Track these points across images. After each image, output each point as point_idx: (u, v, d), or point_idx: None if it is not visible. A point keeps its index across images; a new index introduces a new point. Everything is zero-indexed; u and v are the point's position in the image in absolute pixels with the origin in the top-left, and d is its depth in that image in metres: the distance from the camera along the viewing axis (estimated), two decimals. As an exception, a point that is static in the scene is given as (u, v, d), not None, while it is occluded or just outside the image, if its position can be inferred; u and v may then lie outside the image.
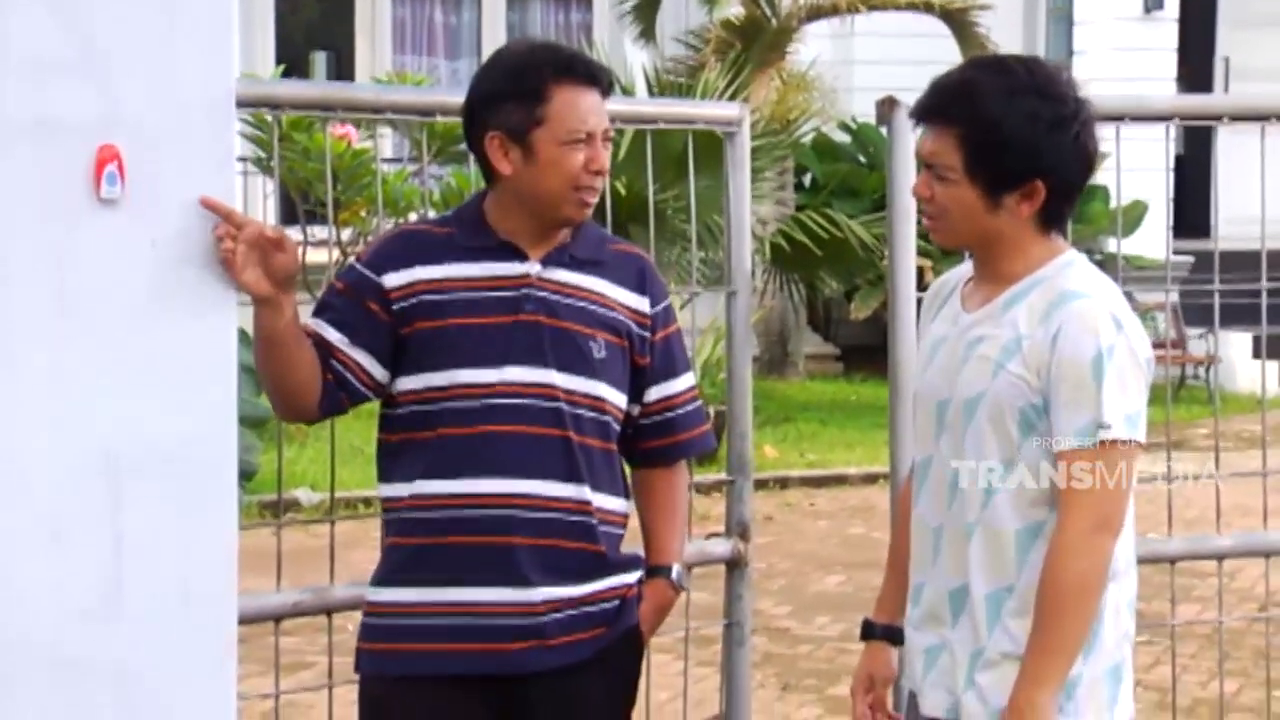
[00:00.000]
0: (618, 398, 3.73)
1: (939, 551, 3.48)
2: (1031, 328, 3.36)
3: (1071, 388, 3.31)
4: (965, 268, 3.61)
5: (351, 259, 3.73)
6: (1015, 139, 3.35)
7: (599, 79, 3.69)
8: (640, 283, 3.79)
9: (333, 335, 3.66)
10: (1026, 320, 3.38)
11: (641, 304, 3.78)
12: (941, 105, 3.43)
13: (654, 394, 3.82)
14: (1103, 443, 3.31)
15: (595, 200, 3.71)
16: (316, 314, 3.71)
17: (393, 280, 3.67)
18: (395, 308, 3.66)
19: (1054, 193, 3.40)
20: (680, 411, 3.86)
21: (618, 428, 3.75)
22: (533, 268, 3.68)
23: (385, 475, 3.72)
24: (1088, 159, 3.43)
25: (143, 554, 3.12)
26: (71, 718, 3.09)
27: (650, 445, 3.85)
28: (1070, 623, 3.31)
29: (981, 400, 3.39)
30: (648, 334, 3.78)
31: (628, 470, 3.85)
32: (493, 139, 3.65)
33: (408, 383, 3.67)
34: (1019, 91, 3.37)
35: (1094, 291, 3.39)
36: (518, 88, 3.64)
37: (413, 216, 10.89)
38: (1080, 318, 3.34)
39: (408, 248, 3.73)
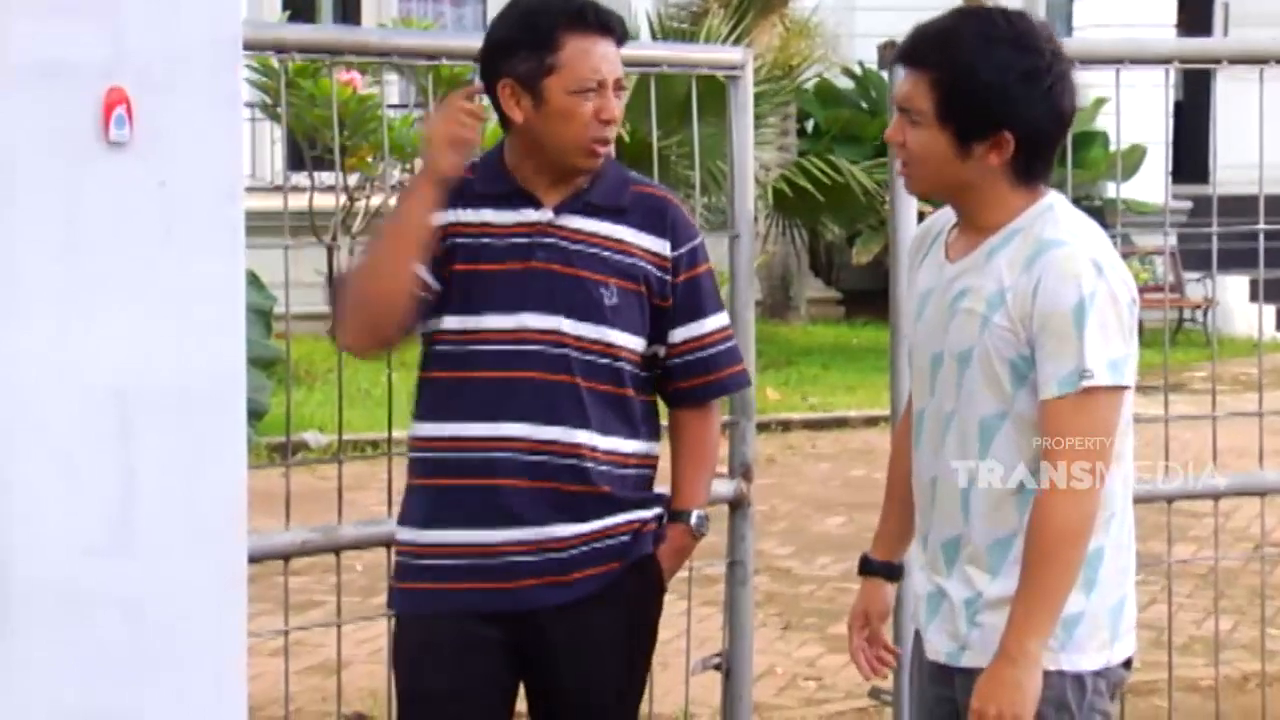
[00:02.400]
0: (632, 342, 3.77)
1: (935, 503, 3.52)
2: (1014, 278, 3.37)
3: (1054, 337, 3.32)
4: (950, 212, 3.62)
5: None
6: (985, 87, 3.35)
7: (612, 28, 3.71)
8: (661, 225, 3.81)
9: None
10: (1009, 271, 3.38)
11: (662, 247, 3.80)
12: (919, 50, 3.43)
13: (679, 335, 3.84)
14: (1086, 389, 3.31)
15: (608, 149, 3.73)
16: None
17: (438, 219, 3.72)
18: (442, 244, 3.72)
19: (1024, 145, 3.39)
20: (709, 352, 3.88)
21: (636, 370, 3.79)
22: (546, 215, 3.73)
23: (423, 414, 3.78)
24: (1061, 114, 3.42)
25: (153, 490, 3.13)
26: (83, 653, 3.10)
27: (679, 386, 3.88)
28: (1058, 570, 3.33)
29: (972, 354, 3.40)
30: (668, 277, 3.80)
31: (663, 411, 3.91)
32: (505, 86, 3.69)
33: (451, 322, 3.73)
34: (995, 41, 3.36)
35: (1073, 238, 3.39)
36: (529, 36, 3.67)
37: (419, 162, 10.91)
38: (1060, 266, 3.34)
39: (448, 191, 3.76)
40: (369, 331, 3.75)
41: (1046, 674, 3.36)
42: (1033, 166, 3.44)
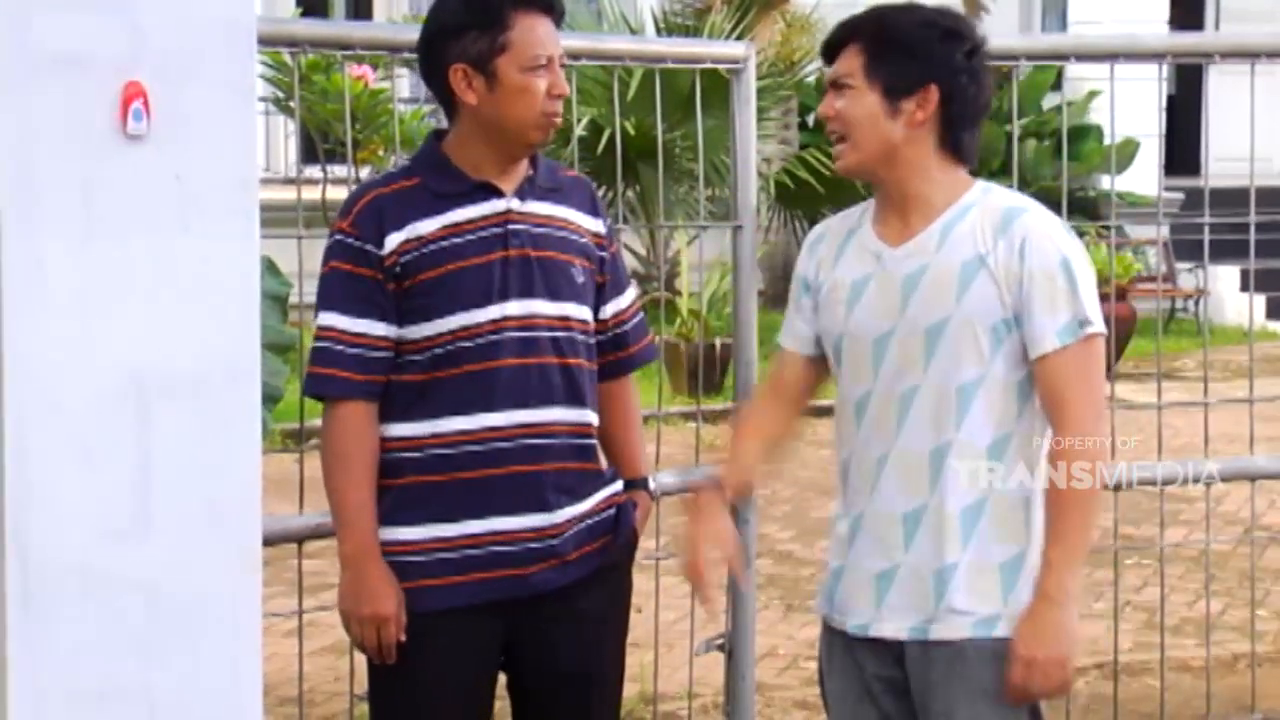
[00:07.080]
0: (590, 316, 3.85)
1: (880, 478, 3.54)
2: (991, 244, 3.44)
3: (1046, 292, 3.41)
4: (846, 214, 3.72)
5: (336, 235, 3.75)
6: (909, 40, 3.47)
7: (553, 5, 3.76)
8: (593, 206, 3.90)
9: (360, 325, 3.73)
10: (978, 240, 3.46)
11: (597, 225, 3.89)
12: (845, 30, 3.56)
13: (609, 310, 3.93)
14: (1088, 336, 3.41)
15: (559, 123, 3.77)
16: (331, 307, 3.73)
17: (387, 246, 3.71)
18: (395, 269, 3.70)
19: (948, 104, 3.49)
20: (631, 324, 3.98)
21: (590, 344, 3.86)
22: (511, 202, 3.75)
23: (402, 415, 3.75)
24: (981, 82, 3.53)
25: (170, 474, 3.14)
26: (102, 633, 3.12)
27: (608, 359, 3.93)
28: (1092, 511, 3.43)
29: (948, 324, 3.46)
30: (605, 254, 3.90)
31: None
32: (456, 71, 3.70)
33: (417, 331, 3.72)
34: (919, 9, 3.53)
35: (1033, 205, 3.52)
36: (479, 18, 3.70)
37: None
38: (1039, 226, 3.46)
39: (386, 211, 3.73)
40: None
41: (998, 640, 3.44)
42: (958, 138, 3.53)
